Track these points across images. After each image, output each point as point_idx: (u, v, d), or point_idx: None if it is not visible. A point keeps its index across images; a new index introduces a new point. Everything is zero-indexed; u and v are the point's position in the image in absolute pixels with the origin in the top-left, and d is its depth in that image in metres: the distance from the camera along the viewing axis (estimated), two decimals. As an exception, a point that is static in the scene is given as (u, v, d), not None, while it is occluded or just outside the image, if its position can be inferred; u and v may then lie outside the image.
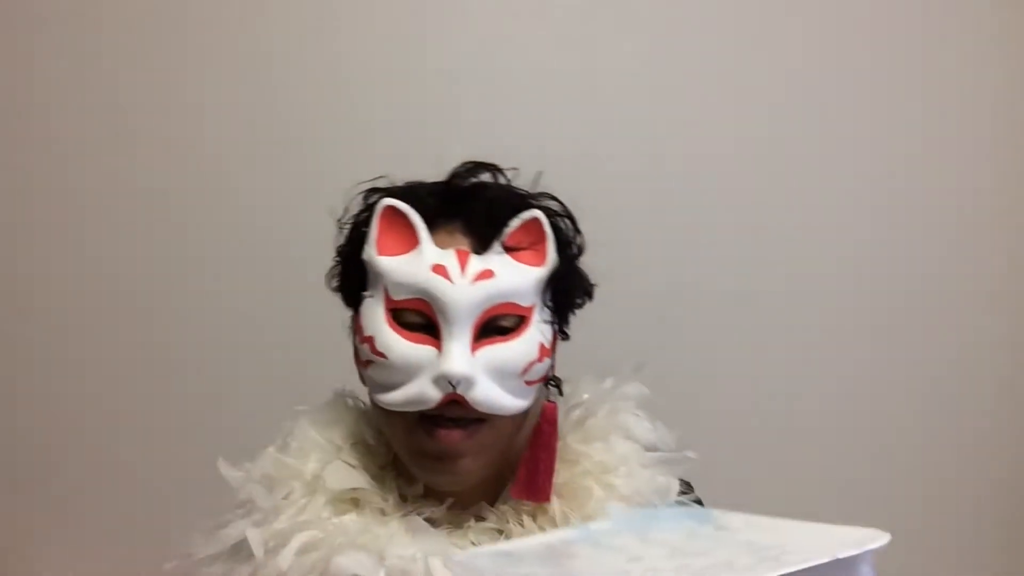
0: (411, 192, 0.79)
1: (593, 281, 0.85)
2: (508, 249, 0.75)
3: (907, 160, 1.46)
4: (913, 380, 1.49)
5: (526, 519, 0.77)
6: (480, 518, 0.78)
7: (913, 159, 1.46)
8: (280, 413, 0.87)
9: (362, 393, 0.86)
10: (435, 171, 0.83)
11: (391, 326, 0.73)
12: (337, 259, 0.84)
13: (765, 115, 1.43)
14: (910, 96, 1.45)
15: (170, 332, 1.44)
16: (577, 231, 0.83)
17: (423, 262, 0.73)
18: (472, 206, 0.78)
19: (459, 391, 0.71)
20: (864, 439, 1.50)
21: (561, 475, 0.79)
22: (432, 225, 0.76)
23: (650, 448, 0.84)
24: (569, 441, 0.81)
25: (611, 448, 0.81)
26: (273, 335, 1.42)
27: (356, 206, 0.83)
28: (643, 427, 0.85)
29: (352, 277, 0.80)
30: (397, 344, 0.73)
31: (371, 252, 0.75)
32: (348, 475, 0.78)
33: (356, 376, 0.82)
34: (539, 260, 0.76)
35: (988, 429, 1.51)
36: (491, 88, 1.40)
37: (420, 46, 1.39)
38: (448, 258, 0.73)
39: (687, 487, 0.84)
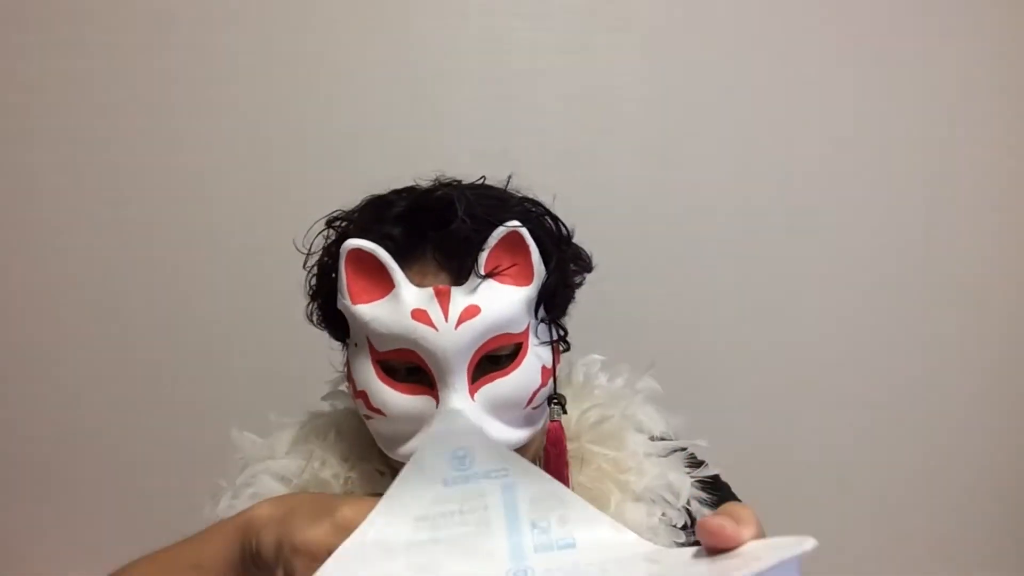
0: (375, 221, 0.71)
1: (590, 253, 0.79)
2: (490, 274, 0.67)
3: (908, 159, 1.46)
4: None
5: None
6: None
7: (913, 158, 1.46)
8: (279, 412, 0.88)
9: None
10: (434, 172, 0.80)
11: (382, 380, 0.68)
12: (311, 304, 0.77)
13: (767, 116, 1.43)
14: (911, 94, 1.44)
15: (171, 333, 1.44)
16: (561, 226, 0.76)
17: (402, 308, 0.66)
18: (443, 232, 0.69)
19: None
20: (868, 438, 1.51)
21: (578, 477, 0.77)
22: (404, 259, 0.69)
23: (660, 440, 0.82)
24: (584, 442, 0.79)
25: (624, 445, 0.79)
26: (273, 335, 1.42)
27: (321, 241, 0.76)
28: (655, 421, 0.83)
29: (333, 321, 0.74)
30: (393, 399, 0.68)
31: (345, 302, 0.68)
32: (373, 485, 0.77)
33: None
34: (526, 277, 0.69)
35: (995, 430, 1.52)
36: (491, 88, 1.40)
37: (419, 46, 1.39)
38: (427, 301, 0.66)
39: (698, 463, 0.82)
